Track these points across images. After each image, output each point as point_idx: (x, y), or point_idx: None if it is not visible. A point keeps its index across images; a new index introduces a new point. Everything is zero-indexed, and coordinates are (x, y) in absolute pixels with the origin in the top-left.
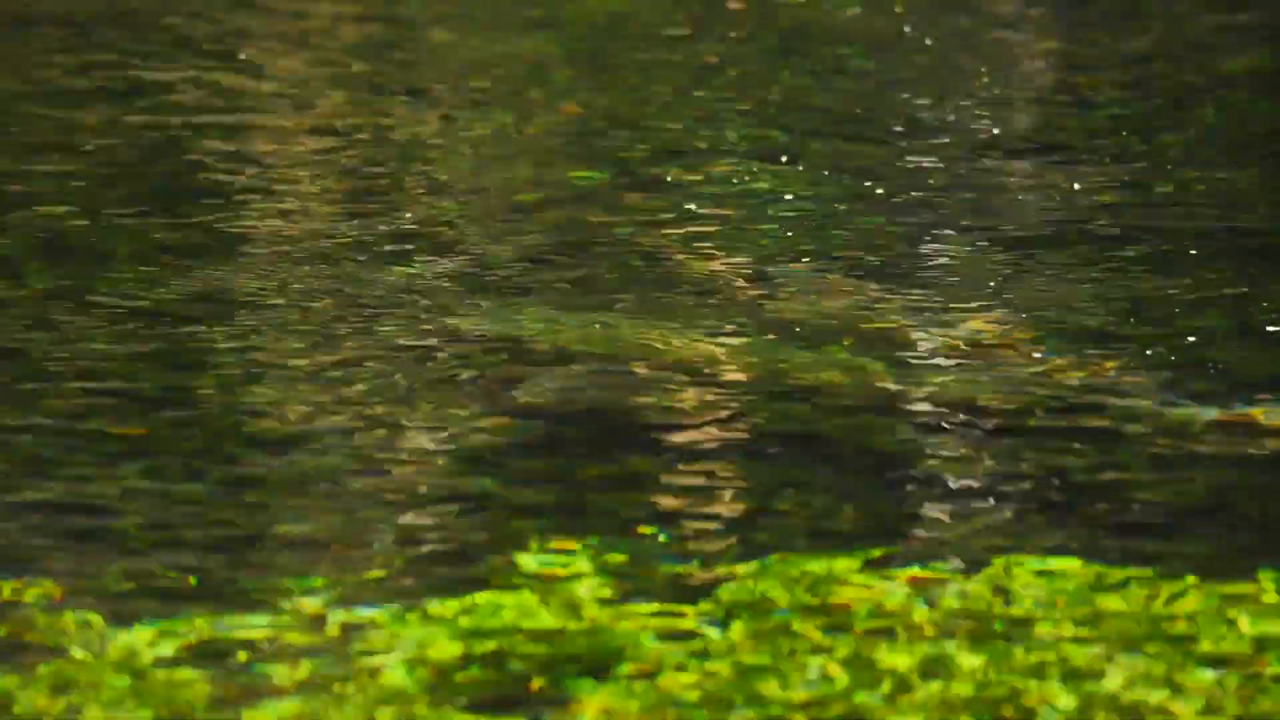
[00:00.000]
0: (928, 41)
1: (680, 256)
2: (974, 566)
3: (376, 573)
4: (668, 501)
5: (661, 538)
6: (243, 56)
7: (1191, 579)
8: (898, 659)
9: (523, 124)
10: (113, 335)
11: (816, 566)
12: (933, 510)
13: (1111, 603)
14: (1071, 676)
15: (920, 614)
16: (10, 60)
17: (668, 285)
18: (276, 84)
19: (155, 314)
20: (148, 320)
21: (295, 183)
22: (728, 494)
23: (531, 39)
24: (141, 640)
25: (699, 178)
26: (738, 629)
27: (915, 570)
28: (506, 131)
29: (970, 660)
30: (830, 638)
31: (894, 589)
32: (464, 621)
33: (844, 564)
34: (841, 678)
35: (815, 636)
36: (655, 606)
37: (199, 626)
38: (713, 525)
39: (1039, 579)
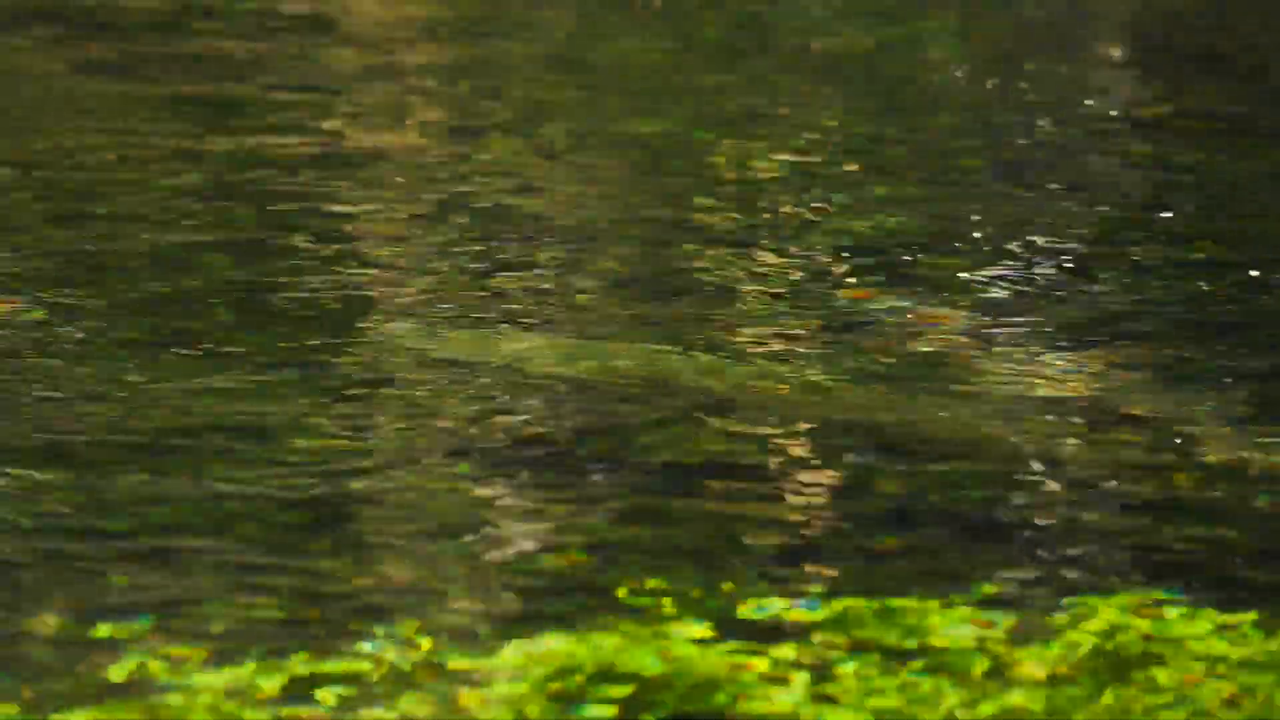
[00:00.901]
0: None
1: (766, 293)
2: (1070, 610)
3: (469, 614)
4: (758, 541)
5: (751, 577)
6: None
7: None
8: (1025, 702)
9: (614, 156)
10: (200, 372)
11: (908, 608)
12: (1024, 554)
13: (1218, 645)
14: (1197, 717)
15: (1030, 657)
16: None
17: (750, 322)
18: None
19: (241, 357)
20: (239, 363)
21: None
22: (815, 534)
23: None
24: (237, 680)
25: (780, 213)
26: (845, 671)
27: (1010, 613)
28: (598, 164)
29: (1096, 704)
30: (944, 680)
31: (993, 632)
32: (555, 661)
33: (934, 606)
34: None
35: (929, 680)
36: (746, 646)
37: (293, 666)
38: (803, 565)
39: (1142, 622)
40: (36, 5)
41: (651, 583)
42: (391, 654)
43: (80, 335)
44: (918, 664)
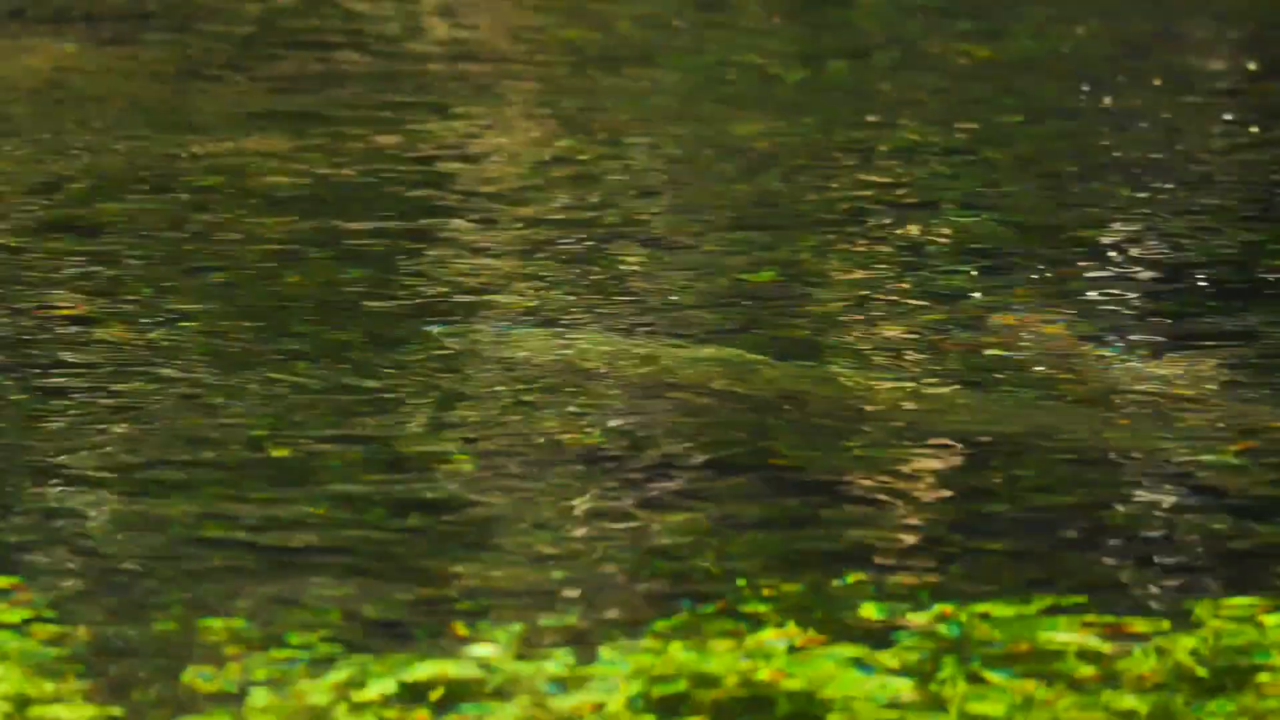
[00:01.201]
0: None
1: (872, 299)
2: (1178, 616)
3: (563, 619)
4: (861, 547)
5: (854, 582)
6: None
7: None
8: (1134, 706)
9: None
10: (299, 376)
11: (1013, 612)
12: (1131, 559)
13: None
14: None
15: (1137, 663)
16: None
17: (854, 327)
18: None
19: (339, 361)
20: (337, 367)
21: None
22: (917, 539)
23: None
24: (340, 684)
25: (888, 221)
26: (949, 675)
27: (1116, 618)
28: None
29: (1205, 709)
30: (1050, 685)
31: (1098, 637)
32: (656, 667)
33: (1039, 609)
34: None
35: (1036, 685)
36: (848, 652)
37: (396, 671)
38: (905, 571)
39: (1251, 629)
40: (142, 9)
41: (756, 587)
42: (493, 659)
43: (187, 341)
44: (1023, 668)
